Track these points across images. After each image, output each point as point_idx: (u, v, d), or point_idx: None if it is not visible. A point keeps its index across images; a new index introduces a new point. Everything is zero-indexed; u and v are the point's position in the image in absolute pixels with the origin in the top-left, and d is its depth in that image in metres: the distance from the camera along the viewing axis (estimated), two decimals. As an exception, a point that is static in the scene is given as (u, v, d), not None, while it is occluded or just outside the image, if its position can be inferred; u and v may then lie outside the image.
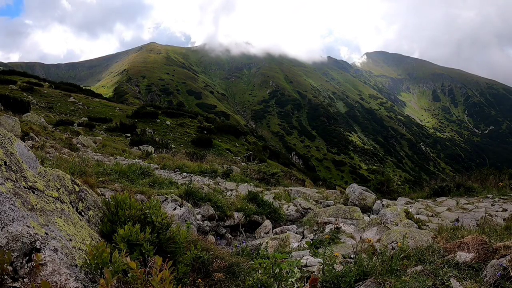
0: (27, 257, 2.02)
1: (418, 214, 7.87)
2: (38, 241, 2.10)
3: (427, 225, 6.29)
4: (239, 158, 29.18)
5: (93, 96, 54.05)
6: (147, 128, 36.19)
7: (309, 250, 4.81)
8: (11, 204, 2.21)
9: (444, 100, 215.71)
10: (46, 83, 53.35)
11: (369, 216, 8.29)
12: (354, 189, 10.41)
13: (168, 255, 2.93)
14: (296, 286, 2.98)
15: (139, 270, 2.10)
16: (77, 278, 2.12)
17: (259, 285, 2.79)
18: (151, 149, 20.04)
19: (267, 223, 7.42)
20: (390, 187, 12.86)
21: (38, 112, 28.27)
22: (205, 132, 41.63)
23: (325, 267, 3.30)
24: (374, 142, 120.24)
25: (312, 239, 5.84)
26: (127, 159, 12.71)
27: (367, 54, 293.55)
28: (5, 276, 1.88)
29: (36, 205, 2.47)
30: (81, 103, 42.73)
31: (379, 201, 9.93)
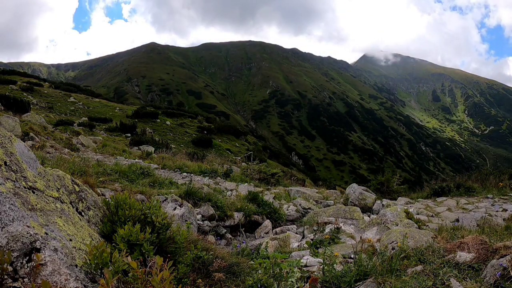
0: (27, 257, 2.02)
1: (418, 214, 7.87)
2: (38, 241, 2.10)
3: (427, 225, 6.30)
4: (239, 158, 29.15)
5: (93, 96, 54.05)
6: (147, 128, 36.18)
7: (309, 250, 4.81)
8: (11, 204, 2.21)
9: (444, 100, 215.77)
10: (46, 83, 53.40)
11: (369, 216, 8.29)
12: (354, 189, 10.40)
13: (168, 255, 2.93)
14: (296, 286, 2.97)
15: (140, 270, 2.11)
16: (77, 278, 2.12)
17: (259, 285, 2.79)
18: (151, 149, 20.02)
19: (267, 223, 7.42)
20: (390, 187, 12.85)
21: (38, 112, 28.27)
22: (205, 132, 41.65)
23: (325, 267, 3.30)
24: (374, 142, 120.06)
25: (312, 239, 5.85)
26: (127, 159, 12.70)
27: (367, 53, 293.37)
28: (5, 276, 1.88)
29: (36, 205, 2.47)
30: (81, 103, 42.75)
31: (379, 201, 9.93)
